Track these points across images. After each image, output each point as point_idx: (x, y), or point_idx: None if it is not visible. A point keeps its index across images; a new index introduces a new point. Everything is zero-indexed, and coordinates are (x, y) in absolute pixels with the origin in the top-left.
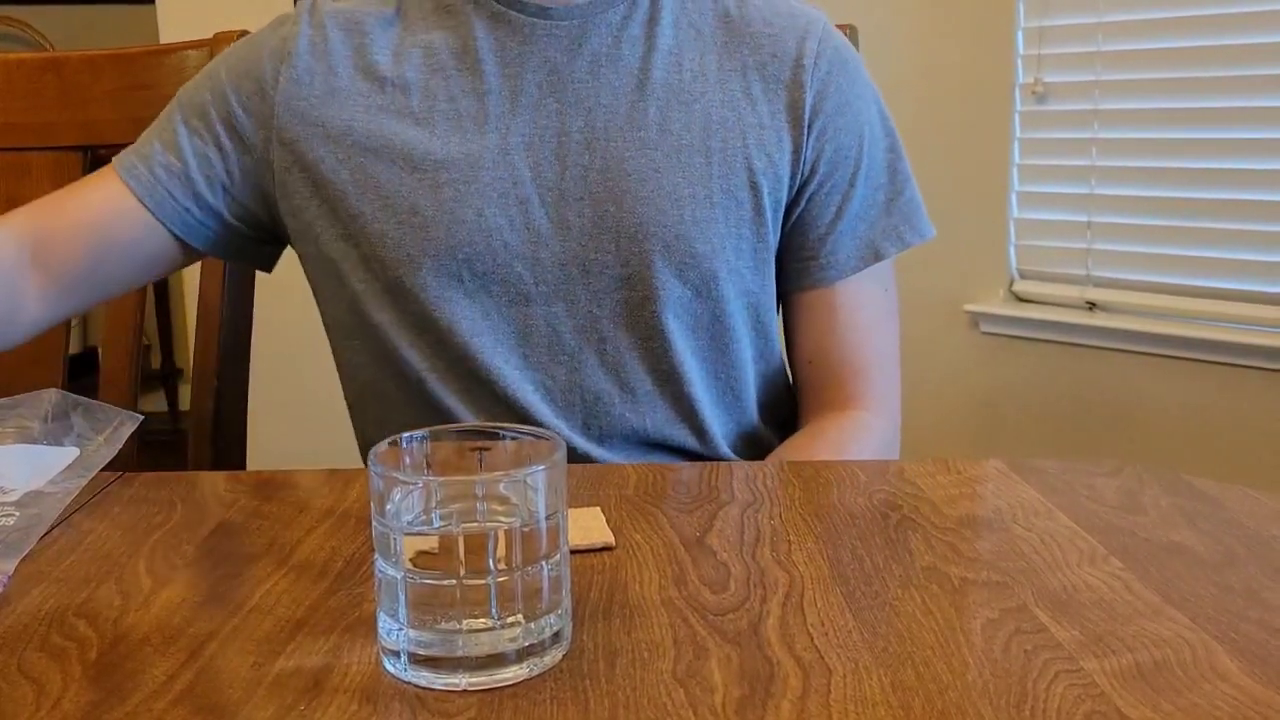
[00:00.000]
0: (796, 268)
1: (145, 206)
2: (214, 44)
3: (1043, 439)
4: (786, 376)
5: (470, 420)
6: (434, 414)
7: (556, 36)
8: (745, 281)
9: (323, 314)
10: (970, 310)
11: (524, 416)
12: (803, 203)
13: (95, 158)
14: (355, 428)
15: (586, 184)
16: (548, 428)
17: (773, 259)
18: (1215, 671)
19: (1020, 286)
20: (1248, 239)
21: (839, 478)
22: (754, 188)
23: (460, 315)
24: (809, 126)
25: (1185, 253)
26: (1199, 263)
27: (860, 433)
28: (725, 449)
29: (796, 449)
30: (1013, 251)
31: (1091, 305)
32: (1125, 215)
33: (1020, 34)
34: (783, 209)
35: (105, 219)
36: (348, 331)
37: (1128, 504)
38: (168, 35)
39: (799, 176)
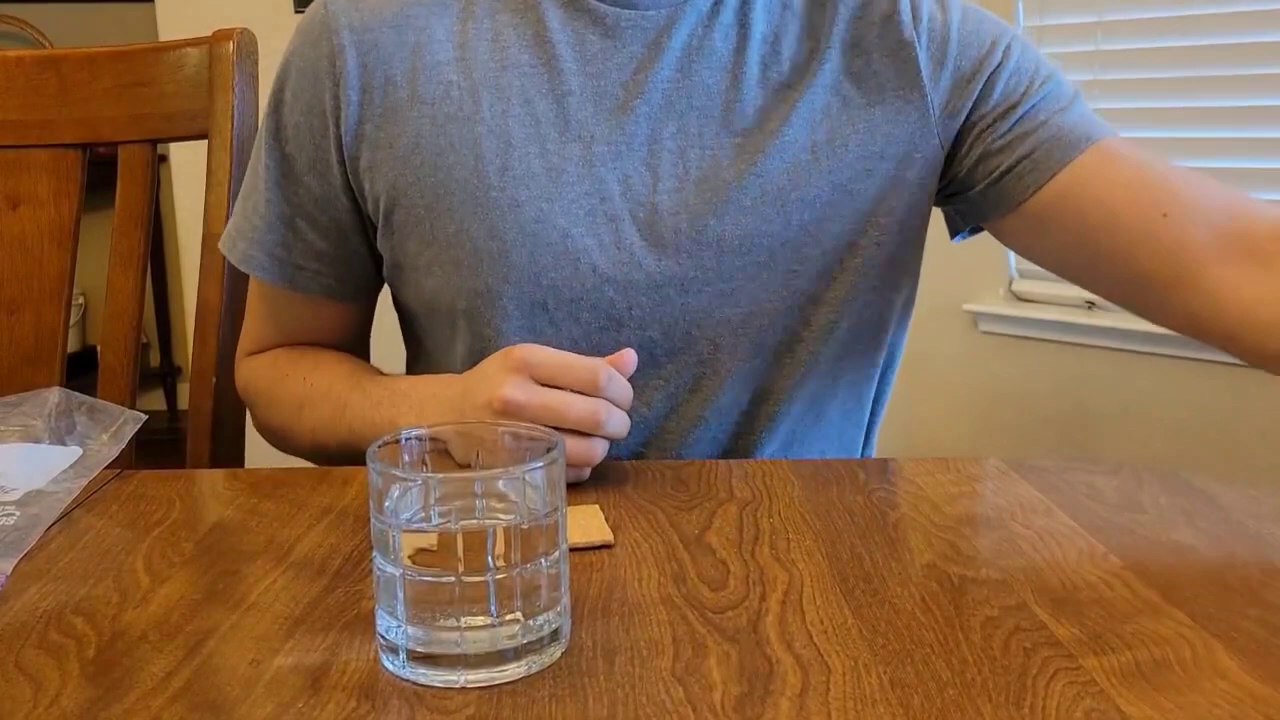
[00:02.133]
0: (1024, 168)
1: (346, 301)
2: (213, 42)
3: (1042, 438)
4: (883, 392)
5: None
6: None
7: (643, 29)
8: (858, 281)
9: (400, 310)
10: (970, 309)
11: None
12: (987, 124)
13: (94, 155)
14: None
15: (682, 196)
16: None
17: (906, 245)
18: (1215, 669)
19: (1020, 286)
20: None
21: (838, 476)
22: (869, 174)
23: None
24: (934, 80)
25: None
26: None
27: None
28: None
29: None
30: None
31: (1091, 304)
32: None
33: (1019, 33)
34: (927, 176)
35: (341, 326)
36: (417, 353)
37: (1127, 502)
38: (167, 33)
39: (950, 130)
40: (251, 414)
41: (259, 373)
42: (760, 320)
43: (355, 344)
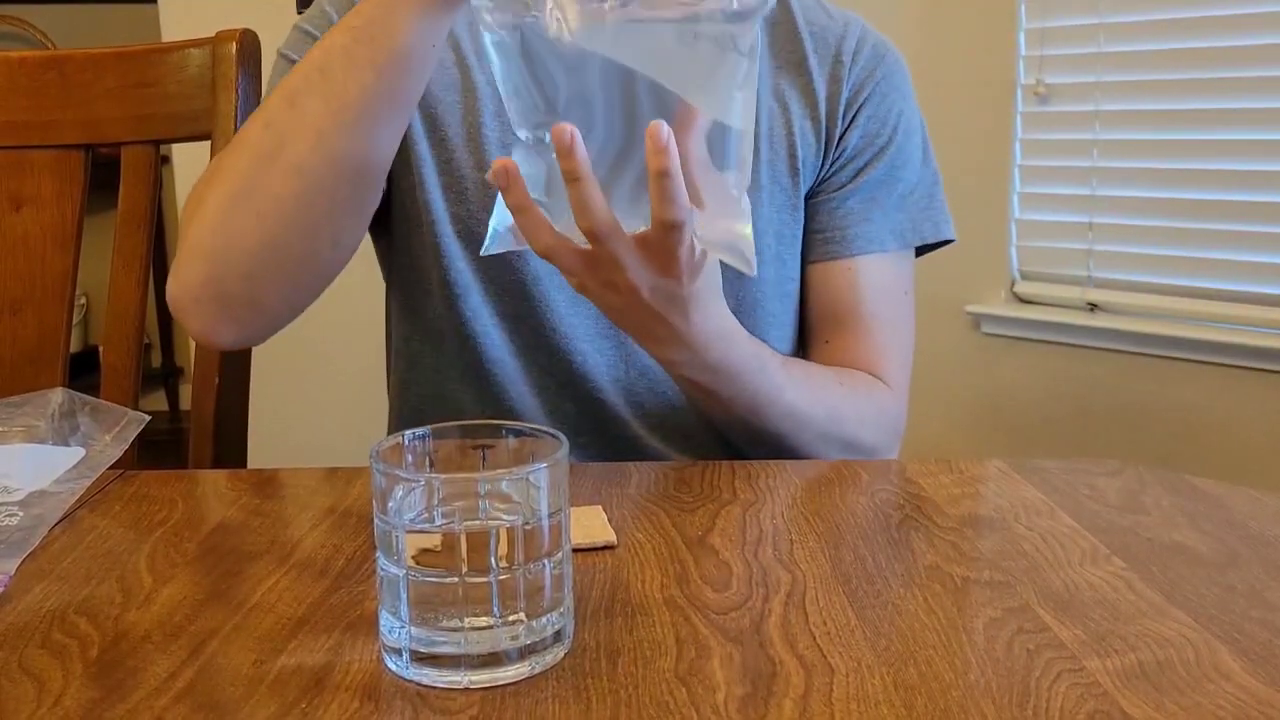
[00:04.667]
0: (812, 238)
1: None
2: (216, 42)
3: (1044, 439)
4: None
5: (527, 405)
6: (491, 395)
7: None
8: (786, 267)
9: (392, 283)
10: (971, 311)
11: (587, 394)
12: (827, 178)
13: (97, 156)
14: (397, 413)
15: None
16: (608, 406)
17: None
18: (1218, 671)
19: (1021, 287)
20: (1249, 240)
21: (841, 477)
22: (795, 174)
23: (538, 296)
24: (843, 117)
25: (1186, 254)
26: (1200, 264)
27: (876, 391)
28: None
29: (811, 371)
30: (1014, 252)
31: (1093, 306)
32: (1126, 216)
33: (1022, 35)
34: (808, 190)
35: None
36: (419, 313)
37: (1130, 504)
38: (169, 34)
39: (829, 161)
40: (195, 221)
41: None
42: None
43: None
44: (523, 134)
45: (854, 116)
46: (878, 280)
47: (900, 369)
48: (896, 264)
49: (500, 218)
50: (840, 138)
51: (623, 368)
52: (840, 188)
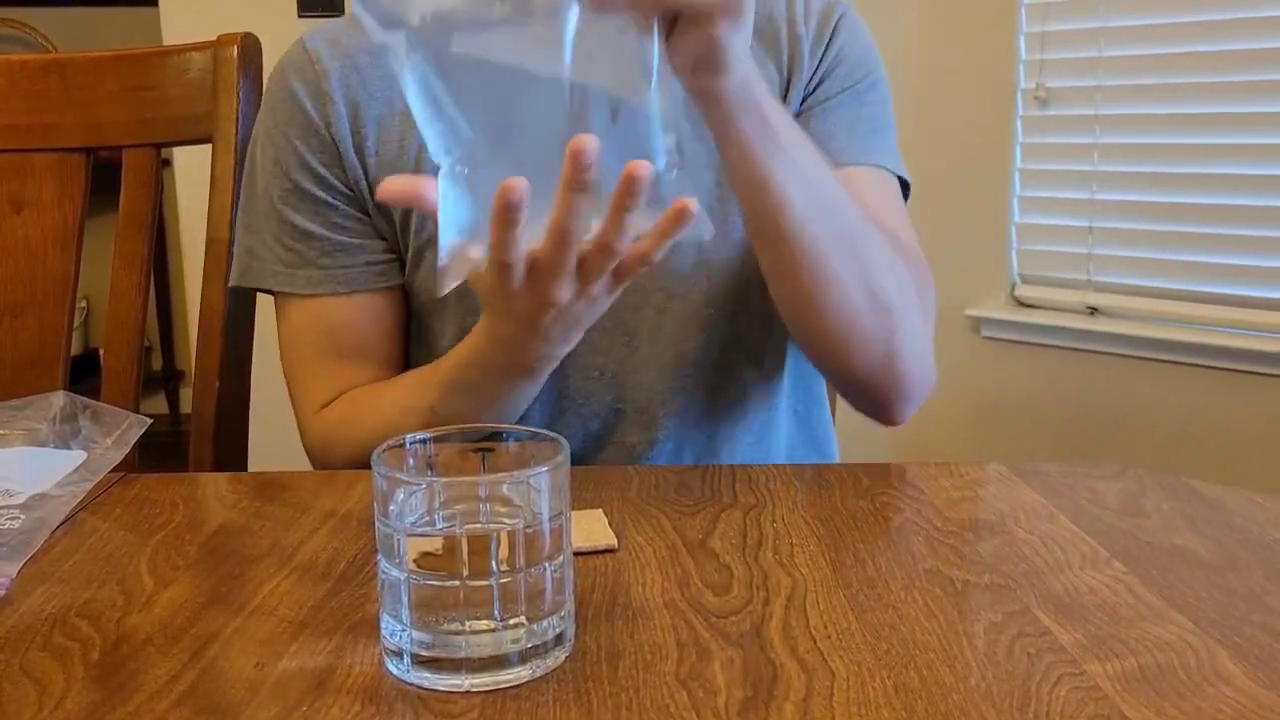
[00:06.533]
0: None
1: (356, 293)
2: (217, 46)
3: (1044, 443)
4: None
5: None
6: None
7: None
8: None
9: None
10: (971, 315)
11: (577, 401)
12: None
13: (98, 159)
14: None
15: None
16: (603, 415)
17: None
18: (1218, 675)
19: (1021, 291)
20: (1249, 244)
21: (841, 480)
22: None
23: None
24: (804, 66)
25: (1187, 258)
26: (1200, 268)
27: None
28: (756, 428)
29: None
30: (1014, 256)
31: (1093, 310)
32: (1127, 220)
33: (1022, 39)
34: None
35: (394, 315)
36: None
37: (1130, 507)
38: (171, 37)
39: (813, 81)
40: (332, 453)
41: (337, 410)
42: (705, 270)
43: (403, 339)
44: (444, 162)
45: (814, 67)
46: (875, 183)
47: (918, 258)
48: (885, 183)
49: (447, 248)
50: (806, 88)
51: (628, 360)
52: (826, 99)
